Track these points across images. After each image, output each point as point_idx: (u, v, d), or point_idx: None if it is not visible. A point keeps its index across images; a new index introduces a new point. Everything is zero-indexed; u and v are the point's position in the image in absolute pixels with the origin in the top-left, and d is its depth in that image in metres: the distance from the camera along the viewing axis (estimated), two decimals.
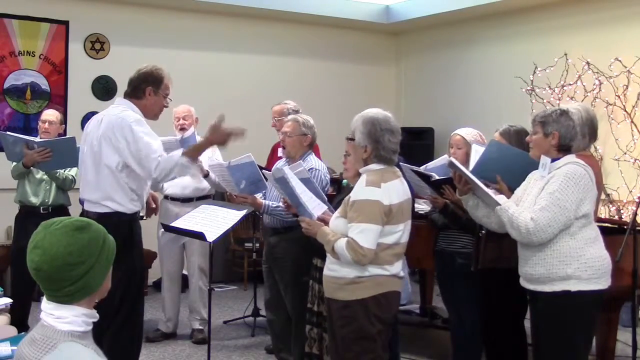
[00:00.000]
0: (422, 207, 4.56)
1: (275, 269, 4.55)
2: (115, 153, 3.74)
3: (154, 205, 4.35)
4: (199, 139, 5.20)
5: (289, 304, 4.47)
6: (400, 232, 3.21)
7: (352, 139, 3.26)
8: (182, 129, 5.43)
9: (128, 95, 3.90)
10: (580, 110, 3.81)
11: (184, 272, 5.83)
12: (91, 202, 3.85)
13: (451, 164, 3.54)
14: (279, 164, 4.64)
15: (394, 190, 3.16)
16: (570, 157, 3.32)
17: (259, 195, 4.36)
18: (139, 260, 3.92)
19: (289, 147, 4.48)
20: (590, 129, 3.86)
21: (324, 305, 3.74)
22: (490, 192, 3.42)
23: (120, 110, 3.83)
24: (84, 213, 3.87)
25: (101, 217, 3.61)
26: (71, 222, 1.81)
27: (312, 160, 4.44)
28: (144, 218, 5.33)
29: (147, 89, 3.86)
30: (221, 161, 4.60)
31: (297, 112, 5.22)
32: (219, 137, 3.82)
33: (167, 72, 3.98)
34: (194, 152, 3.84)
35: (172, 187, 5.46)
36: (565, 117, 3.33)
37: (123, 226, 3.73)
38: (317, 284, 3.86)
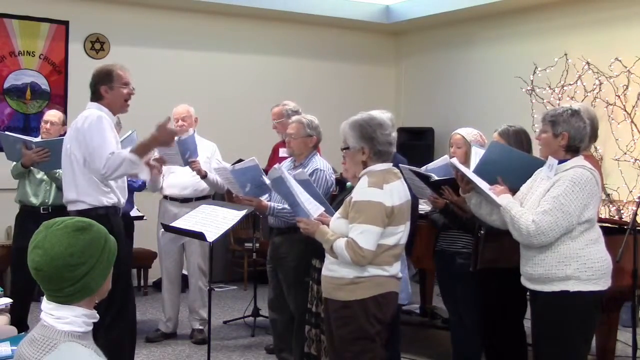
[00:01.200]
0: (423, 207, 4.56)
1: (279, 269, 4.55)
2: (79, 149, 3.87)
3: (153, 163, 4.28)
4: (198, 139, 5.21)
5: (293, 303, 4.47)
6: (401, 234, 3.21)
7: (347, 148, 3.26)
8: (182, 131, 5.40)
9: (92, 99, 4.04)
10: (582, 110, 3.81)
11: (184, 272, 5.82)
12: (70, 201, 3.96)
13: (452, 164, 3.54)
14: (285, 164, 4.63)
15: (395, 191, 3.16)
16: (578, 160, 3.28)
17: (264, 197, 4.36)
18: (122, 253, 3.93)
19: (294, 148, 4.47)
20: (592, 130, 3.85)
21: (322, 306, 3.74)
22: (492, 192, 3.42)
23: (89, 112, 3.96)
24: (68, 214, 3.93)
25: (80, 214, 3.74)
26: (73, 223, 1.81)
27: (317, 161, 4.43)
28: (145, 218, 5.35)
29: (101, 88, 3.97)
30: (225, 165, 4.61)
31: (296, 112, 5.21)
32: (164, 135, 3.96)
33: (118, 64, 4.07)
34: (141, 149, 3.94)
35: (171, 187, 5.46)
36: (576, 118, 3.27)
37: (101, 221, 3.74)
38: (316, 285, 3.86)
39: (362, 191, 3.14)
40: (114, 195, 3.96)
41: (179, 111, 5.51)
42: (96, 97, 4.00)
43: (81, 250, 1.76)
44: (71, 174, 3.94)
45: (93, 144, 3.82)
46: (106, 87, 3.96)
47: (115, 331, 3.82)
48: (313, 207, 3.44)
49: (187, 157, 5.01)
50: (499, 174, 3.56)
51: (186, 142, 4.96)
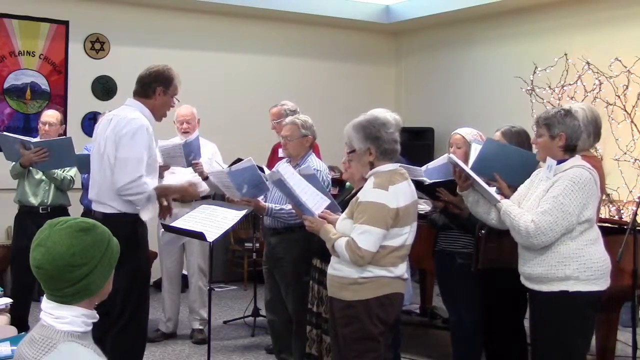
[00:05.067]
0: (422, 207, 4.55)
1: (276, 270, 4.54)
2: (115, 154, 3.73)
3: (165, 203, 3.98)
4: (202, 140, 5.20)
5: (290, 304, 4.47)
6: (407, 235, 3.21)
7: (353, 151, 3.26)
8: (186, 133, 5.38)
9: (137, 94, 3.86)
10: (585, 110, 3.80)
11: (184, 272, 5.82)
12: (97, 202, 3.85)
13: (451, 160, 3.55)
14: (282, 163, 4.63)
15: (401, 192, 3.17)
16: (577, 160, 3.30)
17: (260, 198, 4.35)
18: (143, 261, 3.90)
19: (291, 150, 4.48)
20: (595, 129, 3.84)
21: (323, 307, 3.74)
22: (490, 189, 3.43)
23: (130, 111, 3.80)
24: (92, 213, 3.86)
25: (106, 217, 3.67)
26: (76, 223, 1.80)
27: (314, 161, 4.44)
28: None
29: (157, 88, 3.83)
30: (221, 167, 4.59)
31: (294, 112, 5.20)
32: (191, 193, 4.32)
33: (177, 73, 3.94)
34: (165, 191, 3.94)
35: None
36: (570, 117, 3.30)
37: (127, 227, 3.70)
38: (317, 285, 3.86)
39: (367, 192, 3.15)
40: None
41: (183, 113, 5.46)
42: (145, 93, 3.83)
43: (83, 251, 1.76)
44: (100, 174, 3.79)
45: (124, 155, 3.67)
46: (162, 90, 3.83)
47: (127, 335, 3.78)
48: (319, 202, 3.45)
49: (191, 159, 5.01)
50: (495, 170, 3.57)
51: (191, 144, 4.96)
